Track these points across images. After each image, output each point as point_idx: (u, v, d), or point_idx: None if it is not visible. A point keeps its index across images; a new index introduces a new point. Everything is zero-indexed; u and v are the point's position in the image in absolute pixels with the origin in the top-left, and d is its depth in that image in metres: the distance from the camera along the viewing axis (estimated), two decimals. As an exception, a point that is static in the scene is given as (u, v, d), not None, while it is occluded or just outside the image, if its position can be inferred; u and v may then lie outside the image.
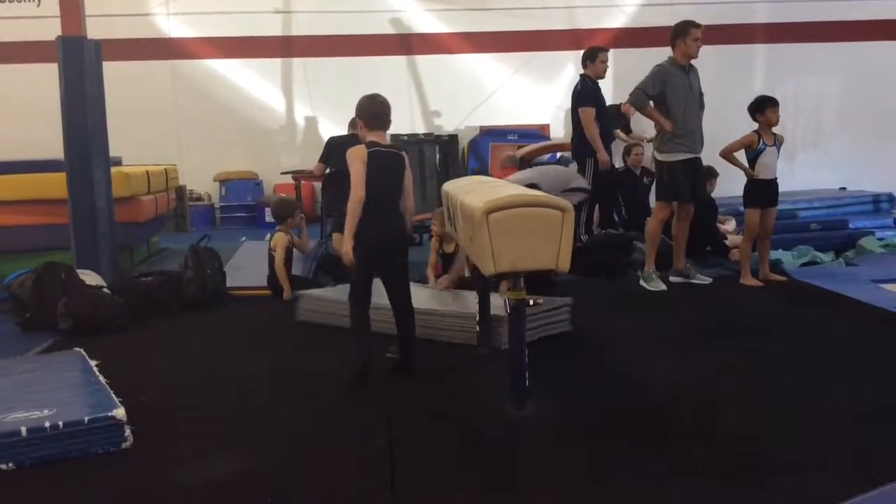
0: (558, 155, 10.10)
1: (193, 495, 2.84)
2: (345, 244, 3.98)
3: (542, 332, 4.69)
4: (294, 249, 6.46)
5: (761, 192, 6.32)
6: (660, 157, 6.30)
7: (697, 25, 6.25)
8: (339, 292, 5.28)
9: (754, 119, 6.34)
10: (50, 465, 3.04)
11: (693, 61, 6.32)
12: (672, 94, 6.16)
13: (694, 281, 6.38)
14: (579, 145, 7.64)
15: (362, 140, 4.10)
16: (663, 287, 6.22)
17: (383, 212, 4.00)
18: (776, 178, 6.38)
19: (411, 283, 4.32)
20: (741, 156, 6.37)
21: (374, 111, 4.08)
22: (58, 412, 3.19)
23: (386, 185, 4.02)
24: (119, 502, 2.82)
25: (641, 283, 6.32)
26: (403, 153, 4.16)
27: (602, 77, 7.62)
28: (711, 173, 7.41)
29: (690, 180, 6.24)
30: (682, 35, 6.22)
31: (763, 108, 6.30)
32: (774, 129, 6.36)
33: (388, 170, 4.03)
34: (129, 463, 3.10)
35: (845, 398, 3.69)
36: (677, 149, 6.18)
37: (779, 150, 6.37)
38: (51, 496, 2.84)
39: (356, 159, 3.97)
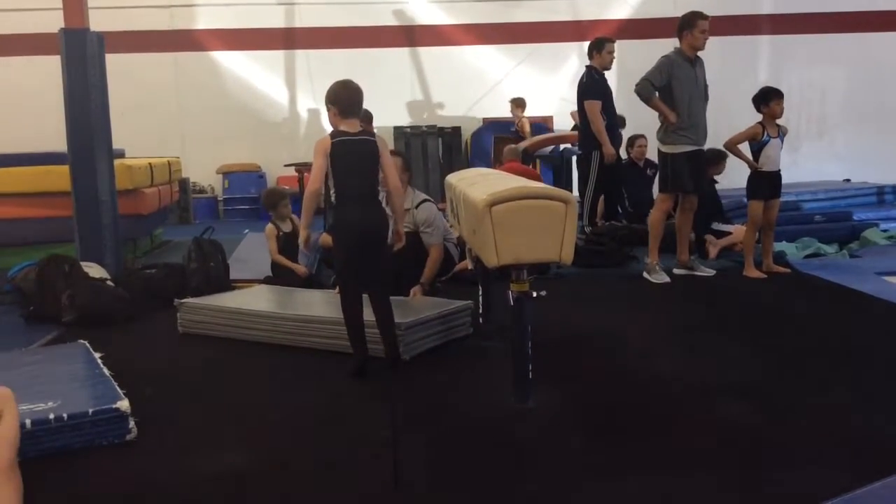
0: (561, 147, 10.09)
1: (197, 487, 2.85)
2: (301, 232, 4.07)
3: (440, 339, 4.46)
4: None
5: (765, 183, 6.31)
6: (664, 148, 6.28)
7: (704, 17, 6.22)
8: (223, 299, 5.15)
9: (758, 110, 6.33)
10: (54, 458, 3.05)
11: (699, 53, 6.29)
12: (678, 86, 6.13)
13: (697, 273, 6.37)
14: (585, 138, 7.63)
15: (334, 127, 4.01)
16: (666, 279, 6.22)
17: (357, 201, 3.92)
18: (779, 170, 6.37)
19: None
20: (745, 147, 6.35)
21: (348, 98, 3.96)
22: (62, 404, 3.20)
23: (357, 175, 3.92)
24: (123, 494, 2.83)
25: (645, 275, 6.32)
26: (375, 139, 4.02)
27: (608, 68, 7.61)
28: (721, 156, 7.29)
29: (694, 172, 6.22)
30: (689, 27, 6.19)
31: (768, 99, 6.28)
32: (778, 121, 6.34)
33: (357, 158, 3.92)
34: (133, 455, 3.11)
35: (847, 390, 3.69)
36: (681, 140, 6.16)
37: (782, 141, 6.36)
38: (55, 488, 2.85)
39: (318, 152, 3.90)
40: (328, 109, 4.02)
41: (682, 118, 6.13)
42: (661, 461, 2.95)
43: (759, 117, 6.32)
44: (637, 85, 6.21)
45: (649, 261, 6.33)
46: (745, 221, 6.60)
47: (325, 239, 6.55)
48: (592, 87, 7.51)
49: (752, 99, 6.38)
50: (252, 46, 12.24)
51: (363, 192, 3.95)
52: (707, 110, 6.35)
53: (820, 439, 3.13)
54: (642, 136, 8.64)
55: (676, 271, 6.39)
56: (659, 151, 6.37)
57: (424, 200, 5.70)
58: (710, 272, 6.41)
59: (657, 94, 6.16)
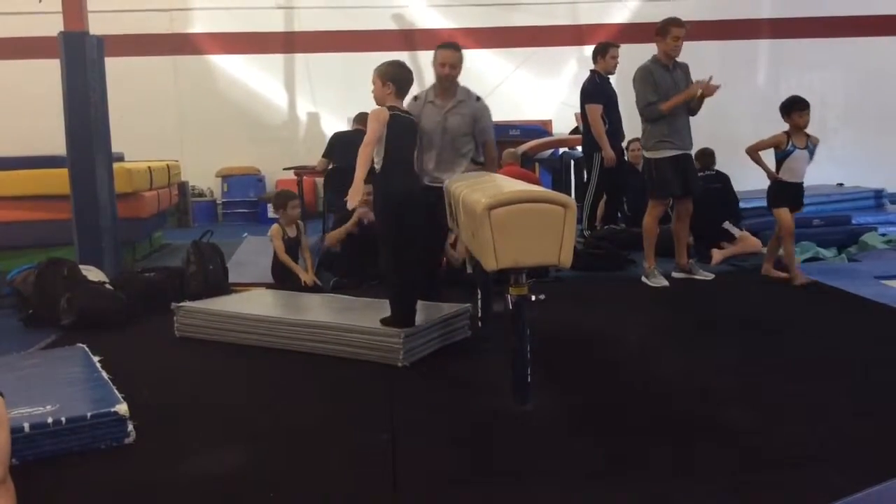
0: (560, 151, 10.10)
1: (196, 490, 2.85)
2: (353, 190, 4.12)
3: (439, 343, 4.44)
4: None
5: (787, 193, 6.04)
6: (647, 154, 6.24)
7: (679, 24, 6.15)
8: (221, 303, 5.13)
9: (785, 120, 6.07)
10: (53, 461, 3.04)
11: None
12: (658, 94, 6.10)
13: (697, 277, 6.37)
14: (588, 141, 7.66)
15: (380, 102, 4.38)
16: (665, 283, 6.21)
17: (403, 169, 4.38)
18: (803, 182, 6.10)
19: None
20: (769, 155, 6.10)
21: (406, 80, 4.45)
22: (61, 408, 3.19)
23: (405, 147, 4.42)
24: (122, 497, 2.83)
25: (643, 279, 6.31)
26: (415, 119, 4.62)
27: (611, 73, 7.67)
28: (711, 159, 7.27)
29: (680, 176, 6.16)
30: (663, 34, 6.16)
31: (789, 110, 5.98)
32: (808, 131, 6.04)
33: (406, 133, 4.43)
34: (131, 458, 3.11)
35: (846, 394, 3.69)
36: (664, 146, 6.10)
37: (811, 153, 6.05)
38: (53, 492, 2.85)
39: (377, 120, 4.25)
40: (383, 85, 4.36)
41: (663, 125, 6.07)
42: (660, 463, 2.95)
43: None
44: (642, 113, 6.14)
45: (646, 266, 6.32)
46: (745, 227, 6.56)
47: (331, 239, 6.56)
48: (594, 91, 7.54)
49: (779, 107, 6.12)
50: (251, 50, 12.25)
51: (408, 158, 4.47)
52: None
53: (820, 442, 3.13)
54: (635, 140, 8.64)
55: (675, 275, 6.38)
56: (644, 158, 6.35)
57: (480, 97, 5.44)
58: (710, 276, 6.40)
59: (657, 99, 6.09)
